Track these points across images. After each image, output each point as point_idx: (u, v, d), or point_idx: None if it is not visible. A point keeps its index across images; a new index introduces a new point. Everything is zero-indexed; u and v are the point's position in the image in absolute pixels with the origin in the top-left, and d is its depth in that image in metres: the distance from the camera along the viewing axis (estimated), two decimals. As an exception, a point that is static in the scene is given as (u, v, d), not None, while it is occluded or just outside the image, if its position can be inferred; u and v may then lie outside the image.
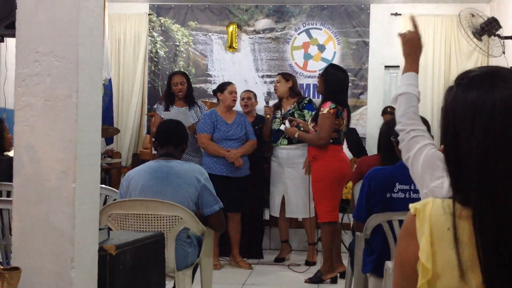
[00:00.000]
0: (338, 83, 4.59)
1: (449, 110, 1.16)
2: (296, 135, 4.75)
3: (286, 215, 5.40)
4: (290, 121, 4.93)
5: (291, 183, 5.25)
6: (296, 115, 5.19)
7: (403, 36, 2.12)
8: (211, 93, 7.63)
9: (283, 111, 5.37)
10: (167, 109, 5.40)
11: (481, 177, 1.06)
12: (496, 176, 1.05)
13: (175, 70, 7.82)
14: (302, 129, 4.80)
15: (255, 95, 5.99)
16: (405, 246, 1.15)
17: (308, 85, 7.63)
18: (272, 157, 5.45)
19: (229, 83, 5.40)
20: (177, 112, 5.29)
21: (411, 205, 1.14)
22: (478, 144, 1.07)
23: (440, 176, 1.84)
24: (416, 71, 2.12)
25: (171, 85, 5.43)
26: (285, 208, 5.37)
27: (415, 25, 2.14)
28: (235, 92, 5.32)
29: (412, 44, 2.12)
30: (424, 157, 1.91)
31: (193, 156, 5.29)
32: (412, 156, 1.95)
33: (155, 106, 5.77)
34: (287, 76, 5.48)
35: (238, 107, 5.60)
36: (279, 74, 5.65)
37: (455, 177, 1.12)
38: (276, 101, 5.67)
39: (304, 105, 5.26)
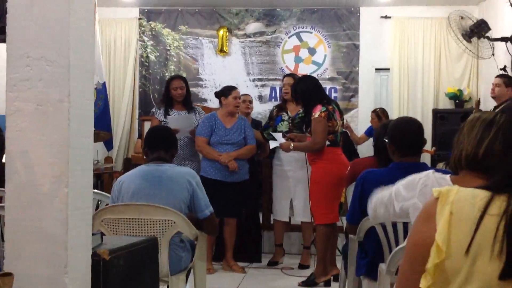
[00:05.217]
0: (311, 89, 4.61)
1: None
2: (291, 148, 4.72)
3: (295, 218, 5.36)
4: (287, 138, 4.84)
5: (299, 186, 5.18)
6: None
7: None
8: (202, 96, 7.68)
9: (289, 113, 5.32)
10: (166, 113, 5.33)
11: None
12: None
13: (166, 74, 7.82)
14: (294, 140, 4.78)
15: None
16: (422, 229, 1.18)
17: (299, 88, 7.64)
18: (275, 160, 5.37)
19: (234, 88, 5.28)
20: (181, 117, 5.27)
21: (434, 189, 1.18)
22: None
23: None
24: None
25: (170, 89, 5.36)
26: (291, 212, 5.34)
27: None
28: (239, 97, 5.26)
29: None
30: (384, 196, 2.21)
31: (192, 161, 5.24)
32: (391, 206, 2.17)
33: (153, 110, 5.74)
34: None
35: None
36: (288, 76, 5.48)
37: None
38: (278, 102, 5.56)
39: None
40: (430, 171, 2.10)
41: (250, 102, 5.87)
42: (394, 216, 2.18)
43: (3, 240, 2.08)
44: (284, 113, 5.33)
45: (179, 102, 5.37)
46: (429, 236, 1.13)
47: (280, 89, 7.59)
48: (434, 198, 1.17)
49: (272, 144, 4.97)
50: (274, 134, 5.04)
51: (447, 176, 1.93)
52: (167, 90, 5.41)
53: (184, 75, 7.65)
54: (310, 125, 4.54)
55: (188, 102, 5.41)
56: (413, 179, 2.09)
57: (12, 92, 1.86)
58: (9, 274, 1.64)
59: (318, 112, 4.45)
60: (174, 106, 5.38)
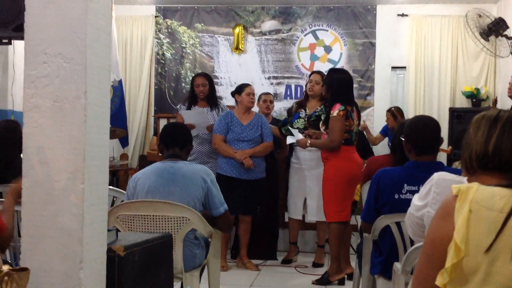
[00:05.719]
0: (344, 85, 4.61)
1: None
2: (308, 144, 4.72)
3: (308, 217, 5.36)
4: (305, 134, 4.84)
5: (315, 185, 5.15)
6: (322, 118, 5.10)
7: None
8: (218, 94, 7.66)
9: (307, 111, 5.31)
10: (189, 109, 5.42)
11: None
12: None
13: (182, 71, 7.85)
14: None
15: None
16: (440, 226, 1.17)
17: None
18: (292, 159, 5.38)
19: (247, 85, 5.35)
20: (196, 112, 5.32)
21: (454, 186, 1.17)
22: None
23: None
24: None
25: (193, 87, 5.46)
26: (305, 210, 5.34)
27: None
28: (253, 94, 5.28)
29: None
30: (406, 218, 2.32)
31: (214, 159, 5.26)
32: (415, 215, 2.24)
33: (178, 107, 5.84)
34: (323, 81, 5.17)
35: (256, 108, 5.57)
36: (316, 72, 5.45)
37: None
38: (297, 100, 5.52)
39: None
40: (435, 175, 2.15)
41: (271, 102, 5.83)
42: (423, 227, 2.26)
43: (19, 235, 2.10)
44: (302, 110, 5.33)
45: (203, 99, 5.44)
46: (447, 233, 1.12)
47: (296, 87, 7.62)
48: (453, 196, 1.16)
49: (289, 140, 4.97)
50: (292, 130, 5.03)
51: (464, 179, 1.93)
52: (192, 87, 5.51)
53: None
54: (327, 122, 4.54)
55: (212, 99, 5.45)
56: (423, 188, 2.20)
57: (29, 89, 1.88)
58: (25, 269, 1.66)
59: (336, 110, 4.47)
60: (197, 103, 5.45)
